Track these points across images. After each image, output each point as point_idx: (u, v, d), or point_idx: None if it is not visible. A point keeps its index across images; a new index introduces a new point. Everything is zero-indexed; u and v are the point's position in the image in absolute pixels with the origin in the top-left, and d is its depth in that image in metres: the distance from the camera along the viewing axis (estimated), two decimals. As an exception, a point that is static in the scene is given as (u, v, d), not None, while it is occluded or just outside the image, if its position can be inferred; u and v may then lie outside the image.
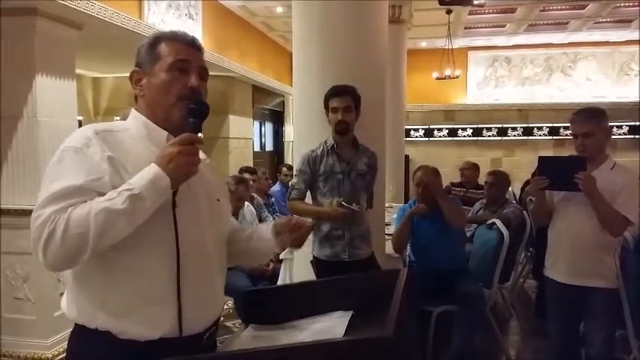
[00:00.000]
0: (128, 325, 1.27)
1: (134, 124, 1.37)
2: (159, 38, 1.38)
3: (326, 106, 2.89)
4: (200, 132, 1.34)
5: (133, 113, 1.40)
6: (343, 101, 2.83)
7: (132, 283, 1.27)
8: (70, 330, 1.36)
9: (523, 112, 11.22)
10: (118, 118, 7.33)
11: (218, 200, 1.48)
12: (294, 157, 3.56)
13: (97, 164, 1.23)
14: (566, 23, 9.39)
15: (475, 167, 6.28)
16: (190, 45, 1.39)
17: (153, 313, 1.28)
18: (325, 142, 2.93)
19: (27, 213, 3.68)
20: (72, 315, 1.34)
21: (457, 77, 9.66)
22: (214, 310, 1.44)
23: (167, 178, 1.21)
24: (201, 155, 1.53)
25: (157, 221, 1.25)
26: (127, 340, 1.26)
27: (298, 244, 1.62)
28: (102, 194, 1.20)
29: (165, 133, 1.34)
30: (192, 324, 1.33)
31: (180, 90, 1.33)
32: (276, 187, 6.43)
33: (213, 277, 1.42)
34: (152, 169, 1.21)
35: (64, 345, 1.41)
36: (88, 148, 1.24)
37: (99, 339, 1.27)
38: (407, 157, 9.51)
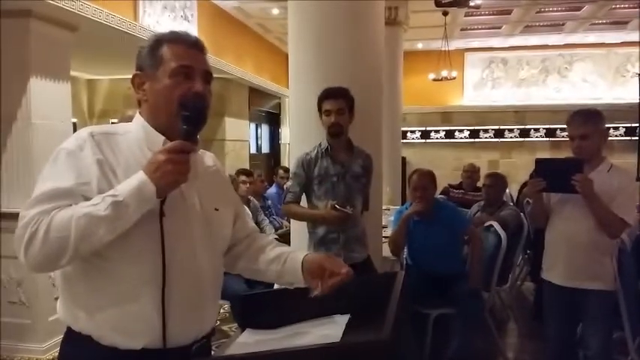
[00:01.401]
0: (108, 332, 1.25)
1: (134, 127, 1.35)
2: (160, 40, 1.34)
3: (319, 109, 2.88)
4: (196, 138, 1.30)
5: (137, 116, 1.38)
6: (336, 104, 2.81)
7: (113, 292, 1.25)
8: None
9: (520, 113, 11.24)
10: (114, 120, 7.32)
11: (217, 210, 1.43)
12: (290, 159, 3.55)
13: (88, 167, 1.23)
14: (562, 25, 9.43)
15: (477, 170, 6.29)
16: (193, 47, 1.35)
17: (134, 322, 1.26)
18: (320, 144, 2.92)
19: (21, 216, 3.67)
20: (60, 315, 1.34)
21: (454, 79, 9.70)
22: (204, 323, 1.40)
23: (153, 186, 1.18)
24: (210, 161, 1.52)
25: (142, 230, 1.23)
26: (108, 346, 1.25)
27: (325, 291, 1.38)
28: (88, 198, 1.19)
29: (162, 137, 1.31)
30: (178, 337, 1.30)
31: (184, 95, 1.29)
32: (272, 190, 6.42)
33: (203, 290, 1.37)
34: (139, 176, 1.19)
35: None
36: (81, 151, 1.24)
37: (83, 343, 1.27)
38: (404, 159, 9.52)
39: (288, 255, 1.50)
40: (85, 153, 1.23)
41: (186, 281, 1.31)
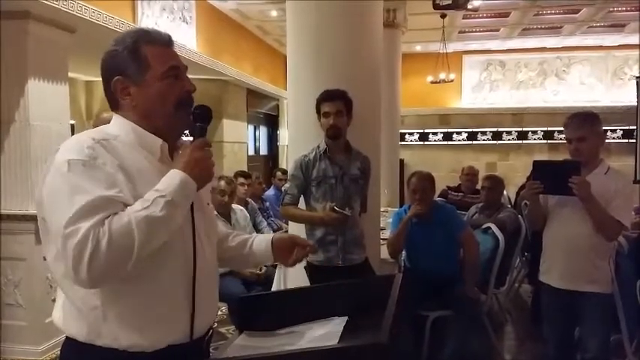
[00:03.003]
0: (136, 339, 1.24)
1: (122, 131, 1.32)
2: (137, 42, 1.32)
3: (318, 111, 2.88)
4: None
5: (118, 120, 1.35)
6: (334, 106, 2.82)
7: (150, 297, 1.26)
8: (62, 336, 1.33)
9: (517, 115, 11.23)
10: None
11: (208, 204, 1.49)
12: (288, 161, 3.54)
13: (112, 175, 1.20)
14: (560, 27, 9.41)
15: (477, 173, 6.29)
16: (170, 45, 1.37)
17: (167, 323, 1.28)
18: (318, 146, 2.92)
19: (19, 218, 3.67)
20: (72, 332, 1.28)
21: (452, 81, 9.67)
22: (215, 312, 1.48)
23: (194, 182, 1.24)
24: None
25: (180, 229, 1.26)
26: (131, 352, 1.24)
27: (292, 263, 1.60)
28: (126, 205, 1.18)
29: (160, 140, 1.32)
30: (201, 328, 1.35)
31: (179, 96, 1.33)
32: (270, 192, 6.41)
33: (212, 282, 1.43)
34: (178, 175, 1.23)
35: (56, 351, 1.39)
36: (95, 160, 1.20)
37: (103, 355, 1.24)
38: (402, 161, 9.50)
39: (253, 239, 1.62)
40: (100, 161, 1.20)
41: (204, 273, 1.35)
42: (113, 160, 1.22)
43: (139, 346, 1.24)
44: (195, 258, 1.31)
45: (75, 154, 1.20)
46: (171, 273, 1.28)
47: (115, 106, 1.36)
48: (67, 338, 1.30)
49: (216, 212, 1.72)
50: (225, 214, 4.06)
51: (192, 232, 1.31)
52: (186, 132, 1.40)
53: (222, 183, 4.11)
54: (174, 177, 1.22)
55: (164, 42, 1.36)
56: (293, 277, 3.31)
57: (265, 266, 4.10)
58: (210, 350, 1.49)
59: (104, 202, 1.16)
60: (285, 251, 1.59)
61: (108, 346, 1.24)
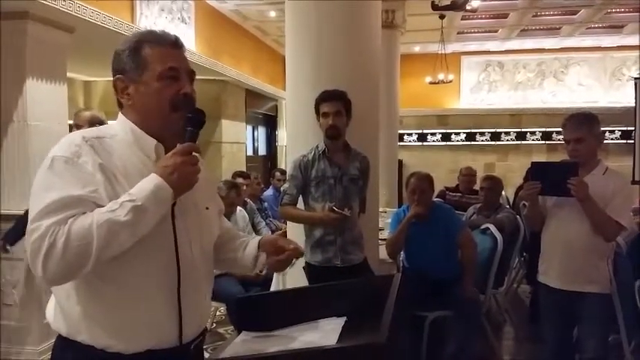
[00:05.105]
0: (111, 340, 1.24)
1: (121, 130, 1.34)
2: (140, 42, 1.33)
3: (317, 111, 2.89)
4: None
5: (120, 118, 1.36)
6: (334, 106, 2.82)
7: (126, 300, 1.25)
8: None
9: (516, 116, 11.26)
10: (110, 122, 7.28)
11: (207, 208, 1.45)
12: (287, 161, 3.54)
13: (91, 175, 1.20)
14: (558, 29, 9.44)
15: (475, 173, 6.29)
16: (174, 46, 1.35)
17: (147, 327, 1.27)
18: (317, 147, 2.92)
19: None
20: (57, 326, 1.30)
21: (450, 82, 9.69)
22: (204, 319, 1.44)
23: (169, 189, 1.20)
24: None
25: (156, 232, 1.23)
26: (112, 352, 1.24)
27: (277, 268, 1.51)
28: (98, 205, 1.17)
29: (154, 141, 1.32)
30: (189, 334, 1.33)
31: (174, 97, 1.30)
32: (269, 192, 6.41)
33: (201, 285, 1.40)
34: (154, 180, 1.19)
35: (55, 352, 1.39)
36: (78, 158, 1.21)
37: (83, 352, 1.25)
38: (400, 162, 9.51)
39: (249, 241, 1.57)
40: (83, 159, 1.21)
41: (191, 278, 1.32)
42: (96, 160, 1.22)
43: (114, 347, 1.24)
44: (179, 263, 1.28)
45: (61, 151, 1.22)
46: (148, 277, 1.26)
47: (119, 105, 1.37)
48: (58, 335, 1.32)
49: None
50: (225, 216, 4.07)
51: (174, 237, 1.28)
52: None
53: (233, 193, 4.19)
54: (149, 181, 1.19)
55: (168, 43, 1.34)
56: (292, 278, 3.31)
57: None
58: (209, 351, 1.49)
59: (73, 201, 1.16)
60: (269, 253, 1.51)
61: (87, 343, 1.24)
